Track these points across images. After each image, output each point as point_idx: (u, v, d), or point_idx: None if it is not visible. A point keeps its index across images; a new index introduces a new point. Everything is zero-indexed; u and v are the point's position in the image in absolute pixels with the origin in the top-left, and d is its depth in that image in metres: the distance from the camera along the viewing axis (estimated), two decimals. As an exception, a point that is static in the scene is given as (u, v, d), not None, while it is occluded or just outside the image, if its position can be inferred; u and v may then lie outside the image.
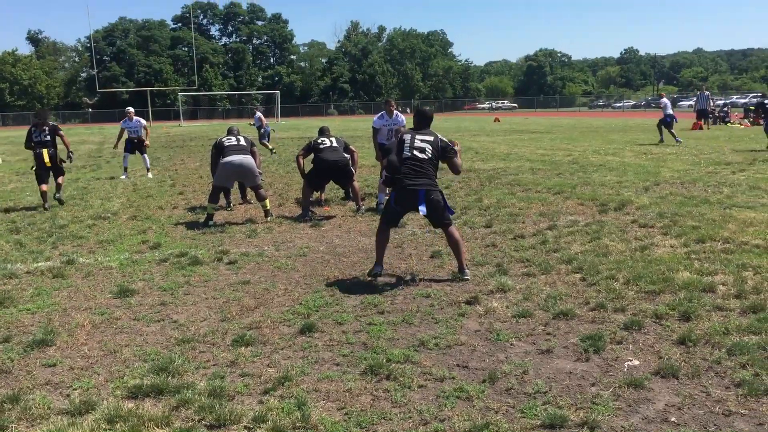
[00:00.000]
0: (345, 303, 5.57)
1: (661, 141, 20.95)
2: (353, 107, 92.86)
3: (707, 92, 28.11)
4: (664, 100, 22.48)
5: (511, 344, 4.56)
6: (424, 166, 6.34)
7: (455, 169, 6.79)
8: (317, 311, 5.35)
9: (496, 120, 46.21)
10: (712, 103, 29.54)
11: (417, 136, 6.45)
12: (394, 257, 7.14)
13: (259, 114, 23.55)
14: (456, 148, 6.67)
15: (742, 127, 29.52)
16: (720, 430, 3.31)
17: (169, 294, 5.97)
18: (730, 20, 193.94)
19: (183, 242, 8.21)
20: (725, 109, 33.77)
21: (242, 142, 9.98)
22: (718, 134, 25.08)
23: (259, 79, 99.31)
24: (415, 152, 6.35)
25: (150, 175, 15.87)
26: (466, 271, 6.26)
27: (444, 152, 6.51)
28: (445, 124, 42.33)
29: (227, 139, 10.07)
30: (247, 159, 9.67)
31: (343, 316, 5.17)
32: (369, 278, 6.32)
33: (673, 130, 21.01)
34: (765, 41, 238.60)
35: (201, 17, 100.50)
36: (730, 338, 4.37)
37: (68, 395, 3.90)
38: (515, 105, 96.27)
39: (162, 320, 5.26)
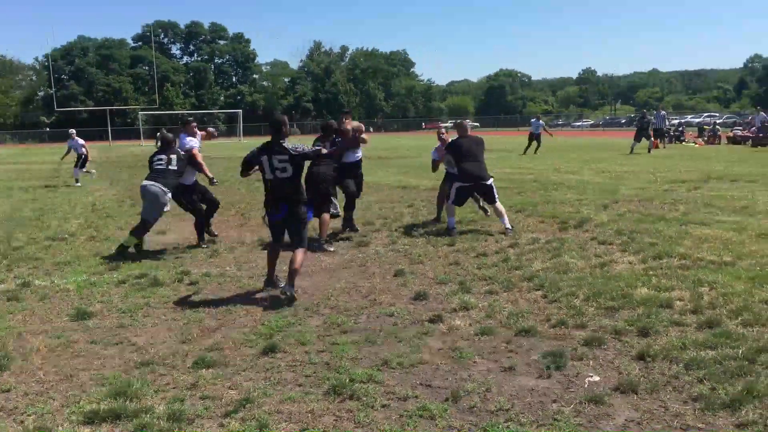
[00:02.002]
0: (308, 323, 5.54)
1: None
2: (316, 126, 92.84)
3: (663, 112, 28.89)
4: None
5: (474, 362, 4.57)
6: (284, 185, 6.43)
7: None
8: (280, 331, 5.30)
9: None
10: (667, 123, 30.45)
11: (273, 158, 6.42)
12: (357, 276, 7.14)
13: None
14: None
15: (697, 146, 30.28)
16: (678, 444, 3.37)
17: (128, 316, 5.86)
18: (684, 42, 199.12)
19: (143, 263, 8.08)
20: (680, 128, 34.57)
21: (171, 163, 8.66)
22: (673, 153, 25.69)
23: (222, 98, 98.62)
24: (276, 173, 6.41)
25: (78, 183, 18.54)
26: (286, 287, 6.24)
27: (304, 158, 6.60)
28: (410, 143, 42.56)
29: (157, 156, 8.87)
30: (153, 187, 8.52)
31: (306, 336, 5.14)
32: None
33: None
34: (717, 62, 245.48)
35: (162, 36, 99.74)
36: (688, 353, 4.45)
37: (22, 421, 3.80)
38: (477, 124, 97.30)
39: (120, 343, 5.16)
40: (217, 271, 7.54)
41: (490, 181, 9.31)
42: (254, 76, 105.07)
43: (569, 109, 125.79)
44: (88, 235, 10.14)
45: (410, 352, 4.77)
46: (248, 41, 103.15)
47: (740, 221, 9.16)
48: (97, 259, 8.33)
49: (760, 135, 27.84)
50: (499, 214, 9.28)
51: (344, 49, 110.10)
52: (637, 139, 25.71)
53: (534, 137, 27.98)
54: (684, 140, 32.20)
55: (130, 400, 3.99)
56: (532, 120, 29.78)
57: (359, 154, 9.87)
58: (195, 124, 9.91)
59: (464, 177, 9.23)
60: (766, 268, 6.49)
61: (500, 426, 3.60)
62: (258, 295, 6.48)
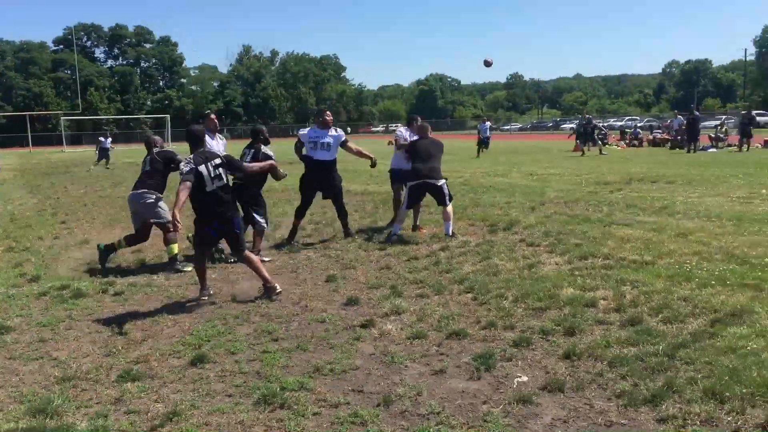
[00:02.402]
0: (238, 331, 5.45)
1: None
2: (246, 131, 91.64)
3: (588, 116, 29.81)
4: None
5: (405, 366, 4.59)
6: (219, 194, 6.43)
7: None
8: (209, 341, 5.20)
9: (390, 143, 46.50)
10: (596, 126, 31.48)
11: (209, 164, 6.38)
12: (288, 282, 7.07)
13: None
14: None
15: (619, 148, 31.27)
16: (603, 440, 3.46)
17: (49, 330, 5.64)
18: (606, 47, 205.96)
19: (65, 274, 7.80)
20: (603, 132, 35.61)
21: (154, 164, 8.27)
22: (597, 155, 26.48)
23: (149, 102, 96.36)
24: (215, 182, 6.39)
25: None
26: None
27: (232, 166, 6.68)
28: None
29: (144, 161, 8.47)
30: (135, 195, 8.22)
31: (236, 345, 5.06)
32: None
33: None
34: (638, 67, 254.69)
35: (85, 39, 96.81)
36: (611, 351, 4.59)
37: (-68, 445, 3.60)
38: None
39: (41, 358, 4.96)
40: (144, 281, 7.34)
41: (441, 183, 9.30)
42: (182, 80, 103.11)
43: (497, 113, 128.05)
44: (6, 246, 9.72)
45: (342, 358, 4.75)
46: (175, 44, 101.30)
47: (660, 221, 9.51)
48: (15, 271, 8.00)
49: (678, 137, 29.02)
50: (445, 218, 9.25)
51: (274, 53, 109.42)
52: (583, 142, 26.55)
53: (482, 141, 28.74)
54: (607, 143, 33.19)
55: (51, 418, 3.84)
56: (480, 125, 30.49)
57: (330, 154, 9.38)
58: (214, 116, 9.41)
59: (414, 176, 9.23)
60: (683, 266, 6.75)
61: (431, 429, 3.62)
62: (187, 305, 6.34)
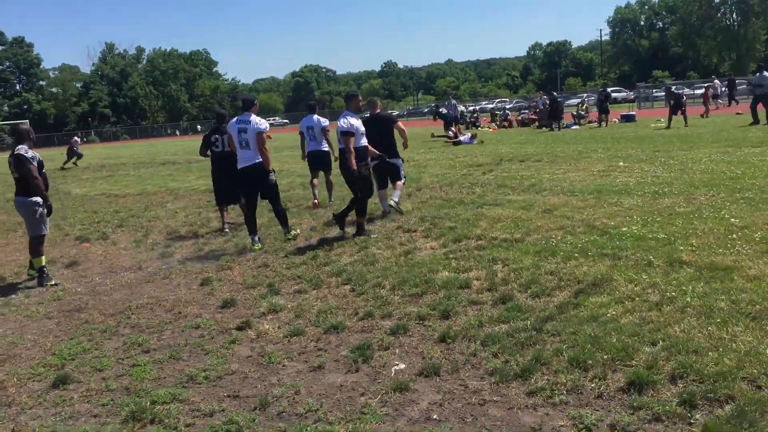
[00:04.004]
0: (105, 346, 5.17)
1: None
2: (116, 133, 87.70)
3: (454, 101, 30.79)
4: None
5: (283, 366, 4.51)
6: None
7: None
8: (73, 360, 4.90)
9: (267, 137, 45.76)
10: (460, 110, 32.44)
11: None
12: (161, 289, 6.80)
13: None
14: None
15: (491, 130, 32.36)
16: (476, 419, 3.53)
17: None
18: (473, 33, 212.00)
19: None
20: (475, 114, 36.78)
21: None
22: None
23: (5, 108, 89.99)
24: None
25: None
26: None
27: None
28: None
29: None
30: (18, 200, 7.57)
31: (102, 362, 4.79)
32: (133, 314, 5.95)
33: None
34: (504, 51, 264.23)
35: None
36: (484, 330, 4.70)
37: None
38: (287, 121, 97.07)
39: None
40: (0, 302, 6.83)
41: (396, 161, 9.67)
42: (41, 82, 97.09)
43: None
44: None
45: (217, 363, 4.61)
46: (31, 45, 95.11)
47: (528, 199, 9.88)
48: None
49: (542, 117, 30.37)
50: (395, 188, 9.61)
51: (140, 50, 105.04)
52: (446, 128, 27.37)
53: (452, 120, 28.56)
54: (479, 126, 34.29)
55: None
56: (447, 103, 30.35)
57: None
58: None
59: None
60: (550, 241, 7.03)
61: (309, 428, 3.57)
62: (48, 323, 5.95)
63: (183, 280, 7.14)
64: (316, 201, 11.45)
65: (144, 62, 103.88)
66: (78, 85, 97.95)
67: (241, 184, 8.56)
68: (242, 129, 8.24)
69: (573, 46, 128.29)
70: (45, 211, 7.53)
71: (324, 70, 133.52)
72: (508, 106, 53.76)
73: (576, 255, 6.29)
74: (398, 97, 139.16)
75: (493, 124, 34.32)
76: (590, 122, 29.84)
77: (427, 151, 21.95)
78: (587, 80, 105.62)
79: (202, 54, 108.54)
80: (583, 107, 32.38)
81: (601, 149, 16.64)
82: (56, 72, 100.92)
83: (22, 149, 7.33)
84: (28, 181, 7.33)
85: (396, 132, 9.72)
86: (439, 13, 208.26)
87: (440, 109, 27.81)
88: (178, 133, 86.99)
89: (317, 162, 11.75)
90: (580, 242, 6.79)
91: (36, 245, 7.52)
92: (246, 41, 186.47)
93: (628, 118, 29.51)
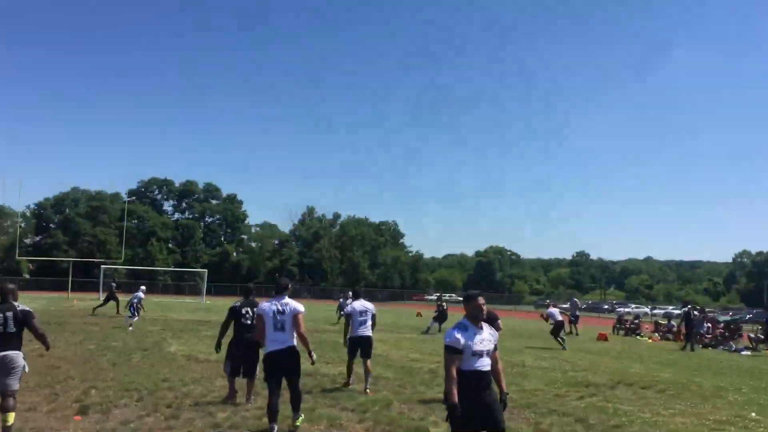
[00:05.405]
0: None
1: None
2: (299, 290, 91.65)
3: (575, 299, 31.53)
4: (552, 310, 22.50)
5: None
6: None
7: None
8: None
9: (418, 314, 44.27)
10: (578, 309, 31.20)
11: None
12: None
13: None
14: None
15: (650, 341, 28.04)
16: None
17: None
18: (679, 230, 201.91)
19: None
20: (636, 320, 32.80)
21: (9, 325, 7.50)
22: (616, 347, 23.99)
23: (205, 256, 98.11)
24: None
25: None
26: None
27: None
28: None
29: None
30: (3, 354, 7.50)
31: None
32: None
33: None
34: (708, 255, 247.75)
35: (156, 192, 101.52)
36: None
37: None
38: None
39: None
40: None
41: None
42: (242, 236, 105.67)
43: (559, 289, 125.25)
44: None
45: None
46: (240, 202, 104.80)
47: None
48: None
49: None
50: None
51: (336, 215, 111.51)
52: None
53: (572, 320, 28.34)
54: (640, 333, 30.41)
55: None
56: (570, 300, 30.85)
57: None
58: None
59: None
60: None
61: None
62: None
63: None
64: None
65: (337, 227, 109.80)
66: (275, 242, 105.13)
67: (271, 368, 8.07)
68: (279, 311, 8.06)
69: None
70: None
71: (509, 252, 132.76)
72: (675, 312, 47.56)
73: None
74: (585, 289, 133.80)
75: (656, 334, 29.98)
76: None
77: (553, 355, 19.34)
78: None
79: (391, 225, 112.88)
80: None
81: (747, 388, 13.31)
82: (258, 228, 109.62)
83: None
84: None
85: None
86: (640, 205, 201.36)
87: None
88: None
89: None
90: None
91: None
92: (435, 218, 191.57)
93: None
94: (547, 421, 9.23)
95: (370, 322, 11.30)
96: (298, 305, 8.12)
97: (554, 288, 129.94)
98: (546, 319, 22.47)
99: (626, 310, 55.92)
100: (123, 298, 30.18)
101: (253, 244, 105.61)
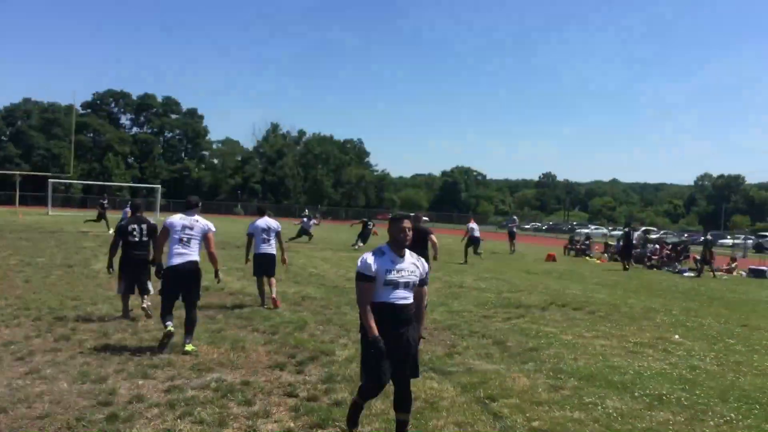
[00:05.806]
0: None
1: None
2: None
3: (514, 216, 33.25)
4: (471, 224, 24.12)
5: None
6: None
7: None
8: None
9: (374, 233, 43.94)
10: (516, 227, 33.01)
11: None
12: None
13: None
14: None
15: (599, 262, 27.78)
16: None
17: None
18: (643, 154, 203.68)
19: None
20: (587, 241, 32.75)
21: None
22: (560, 268, 23.91)
23: (165, 172, 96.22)
24: None
25: None
26: None
27: None
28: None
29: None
30: None
31: None
32: None
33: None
34: (676, 177, 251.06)
35: (112, 105, 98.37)
36: None
37: None
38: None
39: None
40: None
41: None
42: (204, 152, 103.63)
43: (524, 211, 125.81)
44: None
45: None
46: (201, 117, 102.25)
47: (492, 370, 7.04)
48: None
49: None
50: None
51: (302, 133, 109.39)
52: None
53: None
54: (589, 254, 30.38)
55: None
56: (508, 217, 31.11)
57: None
58: None
59: None
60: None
61: None
62: None
63: None
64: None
65: (301, 145, 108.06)
66: (237, 158, 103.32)
67: (171, 282, 7.83)
68: (188, 226, 7.88)
69: (746, 182, 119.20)
70: None
71: (475, 173, 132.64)
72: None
73: None
74: (549, 210, 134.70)
75: (605, 254, 29.80)
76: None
77: (494, 275, 19.09)
78: (758, 220, 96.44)
79: (356, 143, 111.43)
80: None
81: (678, 310, 13.12)
82: (219, 144, 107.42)
83: None
84: None
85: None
86: (603, 130, 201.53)
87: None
88: (318, 216, 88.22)
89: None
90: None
91: None
92: (399, 139, 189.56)
93: (757, 273, 24.15)
94: (464, 343, 8.78)
95: (273, 241, 11.24)
96: (209, 223, 8.01)
97: (519, 209, 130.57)
98: (465, 234, 23.80)
99: (584, 231, 56.14)
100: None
101: (215, 161, 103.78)
